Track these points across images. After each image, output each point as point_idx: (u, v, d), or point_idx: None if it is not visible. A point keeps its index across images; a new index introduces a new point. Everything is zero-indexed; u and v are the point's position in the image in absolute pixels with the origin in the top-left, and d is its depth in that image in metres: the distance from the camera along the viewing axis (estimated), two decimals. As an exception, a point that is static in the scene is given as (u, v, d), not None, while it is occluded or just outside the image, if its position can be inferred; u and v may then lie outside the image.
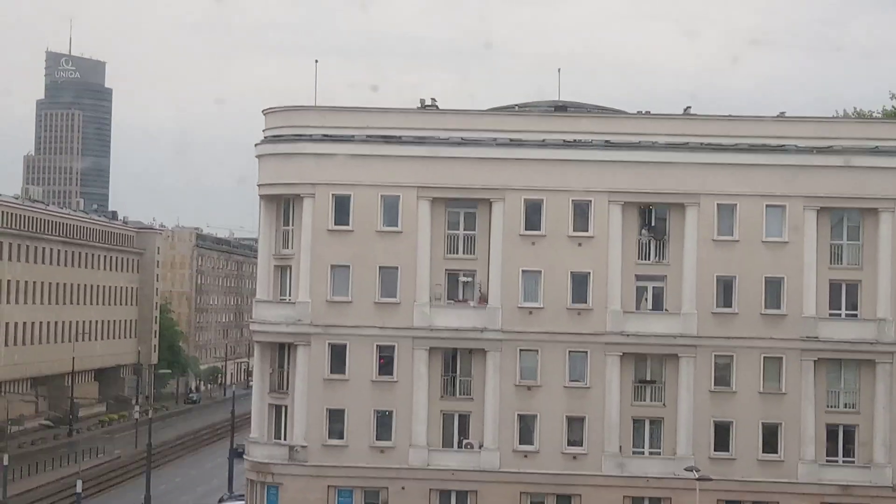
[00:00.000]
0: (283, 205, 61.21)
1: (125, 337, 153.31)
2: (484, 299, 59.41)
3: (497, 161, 59.17)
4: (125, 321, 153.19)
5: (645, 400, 59.37)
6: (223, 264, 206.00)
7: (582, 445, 58.68)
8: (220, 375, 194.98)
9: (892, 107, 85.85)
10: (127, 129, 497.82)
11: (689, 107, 63.71)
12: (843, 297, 59.11)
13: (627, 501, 58.47)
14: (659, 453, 59.01)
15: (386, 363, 59.01)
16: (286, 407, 60.37)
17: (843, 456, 58.74)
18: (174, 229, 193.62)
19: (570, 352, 58.77)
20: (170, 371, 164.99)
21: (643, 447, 59.29)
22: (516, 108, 65.18)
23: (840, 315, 59.06)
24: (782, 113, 61.63)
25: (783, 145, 58.63)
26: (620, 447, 58.58)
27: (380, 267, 59.18)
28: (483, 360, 59.15)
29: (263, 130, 61.68)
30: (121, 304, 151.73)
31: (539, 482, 58.47)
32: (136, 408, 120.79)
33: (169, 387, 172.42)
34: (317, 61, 65.67)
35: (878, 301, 58.35)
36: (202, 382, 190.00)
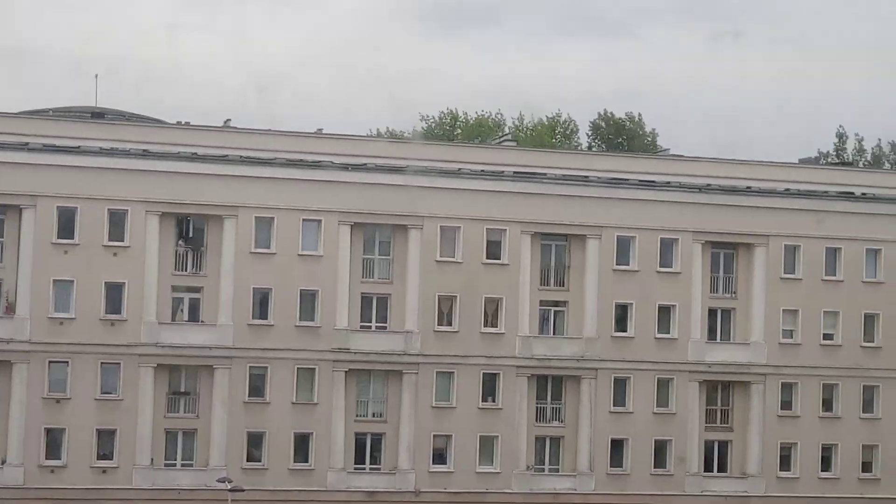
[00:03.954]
0: None
1: None
2: (11, 309, 57.11)
3: (29, 167, 57.00)
4: None
5: (179, 412, 59.09)
6: None
7: (112, 459, 57.59)
8: None
9: (422, 128, 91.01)
10: None
11: (229, 119, 64.30)
12: (374, 310, 61.38)
13: (159, 514, 57.96)
14: (192, 465, 58.89)
15: None
16: None
17: (371, 463, 60.96)
18: None
19: (102, 363, 57.54)
20: None
21: (176, 459, 58.98)
22: (51, 112, 63.22)
23: (370, 327, 61.25)
24: (320, 129, 63.25)
25: (320, 161, 60.15)
26: (152, 459, 57.96)
27: None
28: (9, 372, 56.80)
29: None
30: None
31: (67, 498, 56.74)
32: None
33: None
34: None
35: (406, 313, 60.93)
36: None
